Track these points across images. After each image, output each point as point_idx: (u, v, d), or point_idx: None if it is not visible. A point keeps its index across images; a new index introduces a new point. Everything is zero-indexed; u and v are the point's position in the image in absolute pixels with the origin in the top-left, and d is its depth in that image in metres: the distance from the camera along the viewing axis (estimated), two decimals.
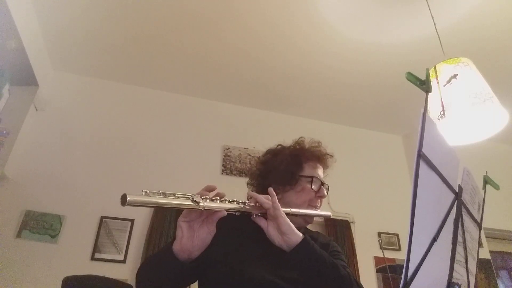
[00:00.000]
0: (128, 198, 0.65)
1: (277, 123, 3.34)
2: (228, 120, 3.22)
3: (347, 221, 2.96)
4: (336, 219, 2.93)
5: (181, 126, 3.05)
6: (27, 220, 2.32)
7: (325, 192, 1.08)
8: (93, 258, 2.33)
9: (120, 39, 2.58)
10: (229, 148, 3.04)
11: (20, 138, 2.47)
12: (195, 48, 2.64)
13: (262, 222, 0.87)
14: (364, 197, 3.19)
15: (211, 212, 0.81)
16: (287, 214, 0.92)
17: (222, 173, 2.92)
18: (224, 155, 3.01)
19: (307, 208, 1.04)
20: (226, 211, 0.83)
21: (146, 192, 0.70)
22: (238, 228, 0.98)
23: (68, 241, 2.34)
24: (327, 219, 2.90)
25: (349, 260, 2.71)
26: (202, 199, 0.77)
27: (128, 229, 2.47)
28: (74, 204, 2.45)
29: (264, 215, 0.88)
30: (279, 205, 0.86)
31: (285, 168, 1.06)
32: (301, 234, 0.85)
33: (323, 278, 0.82)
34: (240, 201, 0.86)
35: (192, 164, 2.88)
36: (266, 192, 0.92)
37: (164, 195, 0.73)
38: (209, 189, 0.83)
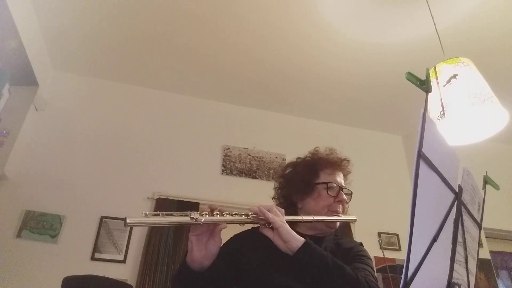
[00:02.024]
0: (128, 221, 0.74)
1: (277, 123, 3.34)
2: (228, 120, 3.22)
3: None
4: None
5: (181, 126, 3.05)
6: (27, 220, 2.32)
7: (345, 197, 1.09)
8: (93, 258, 2.33)
9: (120, 39, 2.58)
10: (229, 148, 3.04)
11: (20, 138, 2.47)
12: (195, 48, 2.64)
13: (269, 233, 0.91)
14: (364, 197, 3.17)
15: (214, 224, 0.89)
16: (299, 222, 0.99)
17: (222, 173, 2.92)
18: (224, 155, 3.01)
19: (326, 214, 1.05)
20: (228, 223, 0.89)
21: (146, 214, 0.78)
22: (261, 241, 1.01)
23: (68, 241, 2.34)
24: None
25: None
26: (202, 215, 0.84)
27: (128, 229, 2.47)
28: (74, 204, 2.45)
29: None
30: (275, 216, 0.90)
31: (302, 178, 1.10)
32: (302, 239, 0.88)
33: (327, 278, 0.84)
34: (243, 213, 0.91)
35: (192, 164, 2.88)
36: (288, 203, 1.00)
37: (162, 215, 0.81)
38: (212, 208, 0.89)
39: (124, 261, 2.37)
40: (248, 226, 1.05)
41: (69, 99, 2.87)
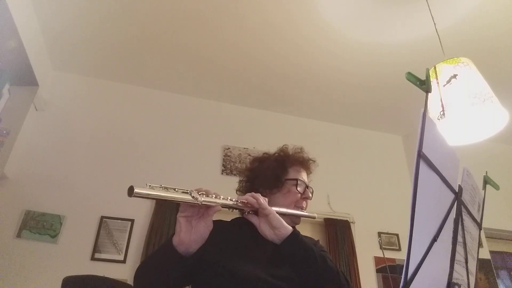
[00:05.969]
0: (135, 190, 0.70)
1: (277, 123, 3.34)
2: (228, 120, 3.22)
3: (347, 221, 2.96)
4: (336, 219, 2.93)
5: (181, 126, 3.05)
6: (27, 220, 2.32)
7: (310, 195, 1.13)
8: (93, 258, 2.33)
9: (120, 39, 2.58)
10: (229, 148, 3.04)
11: (20, 138, 2.47)
12: (195, 48, 2.64)
13: (254, 219, 0.92)
14: (364, 197, 3.19)
15: (207, 207, 0.85)
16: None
17: (222, 173, 2.92)
18: (224, 155, 3.01)
19: (293, 209, 1.08)
20: (221, 206, 0.87)
21: (149, 185, 0.75)
22: (231, 230, 1.03)
23: (68, 241, 2.34)
24: (327, 219, 2.90)
25: (349, 260, 2.71)
26: (200, 194, 0.81)
27: (128, 229, 2.47)
28: (74, 204, 2.45)
29: (256, 212, 0.92)
30: (266, 204, 0.91)
31: (271, 172, 1.11)
32: (290, 228, 0.89)
33: (313, 268, 0.85)
34: (233, 199, 0.91)
35: (192, 164, 2.88)
36: None
37: (166, 189, 0.78)
38: (201, 191, 0.86)
39: (124, 261, 2.37)
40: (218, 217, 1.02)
41: (69, 99, 2.87)
